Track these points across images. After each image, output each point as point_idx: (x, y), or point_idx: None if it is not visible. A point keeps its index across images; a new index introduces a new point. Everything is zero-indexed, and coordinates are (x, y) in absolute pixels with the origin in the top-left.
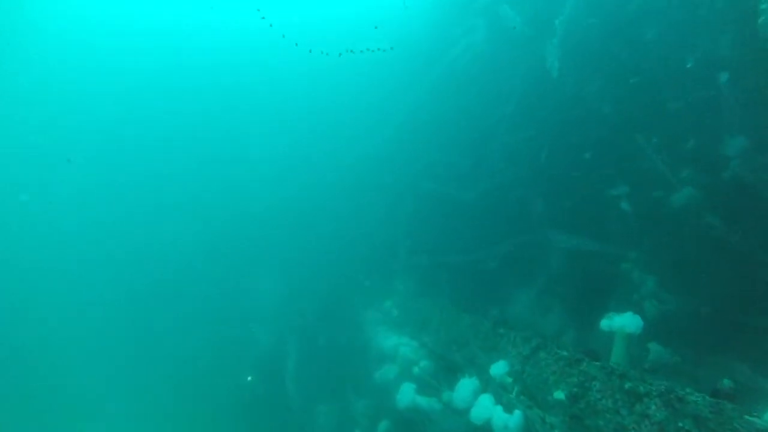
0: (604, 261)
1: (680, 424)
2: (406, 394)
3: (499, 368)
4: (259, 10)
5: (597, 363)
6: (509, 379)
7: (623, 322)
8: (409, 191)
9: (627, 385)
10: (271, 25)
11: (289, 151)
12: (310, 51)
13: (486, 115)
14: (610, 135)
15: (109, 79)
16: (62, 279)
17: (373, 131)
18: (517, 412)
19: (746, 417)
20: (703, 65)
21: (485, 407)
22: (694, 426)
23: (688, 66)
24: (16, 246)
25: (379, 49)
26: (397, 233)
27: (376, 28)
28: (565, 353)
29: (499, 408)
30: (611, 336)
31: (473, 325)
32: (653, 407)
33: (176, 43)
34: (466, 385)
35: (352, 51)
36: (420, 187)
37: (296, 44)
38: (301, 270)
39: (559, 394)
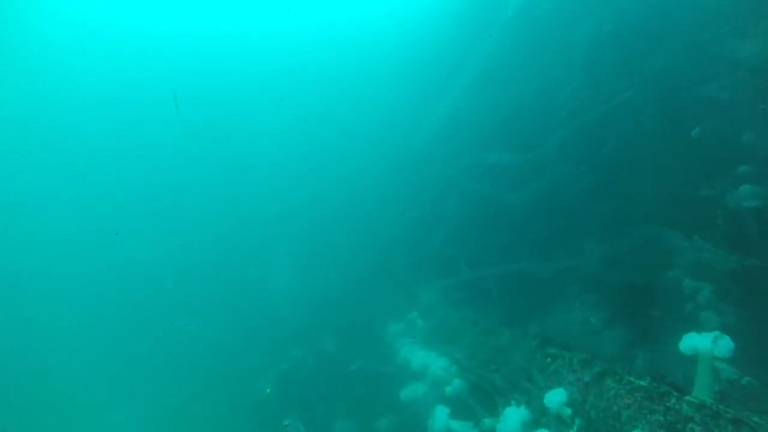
0: (648, 267)
1: None
2: (440, 419)
3: (555, 397)
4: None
5: (693, 398)
6: (568, 411)
7: (710, 343)
8: (452, 192)
9: None
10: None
11: (311, 150)
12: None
13: (545, 95)
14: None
15: (129, 85)
16: (75, 283)
17: (411, 123)
18: None
19: None
20: None
21: None
22: None
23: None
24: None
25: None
26: (434, 239)
27: None
28: (643, 383)
29: None
30: (685, 359)
31: (515, 342)
32: None
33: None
34: (513, 415)
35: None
36: (464, 187)
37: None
38: (324, 275)
39: None
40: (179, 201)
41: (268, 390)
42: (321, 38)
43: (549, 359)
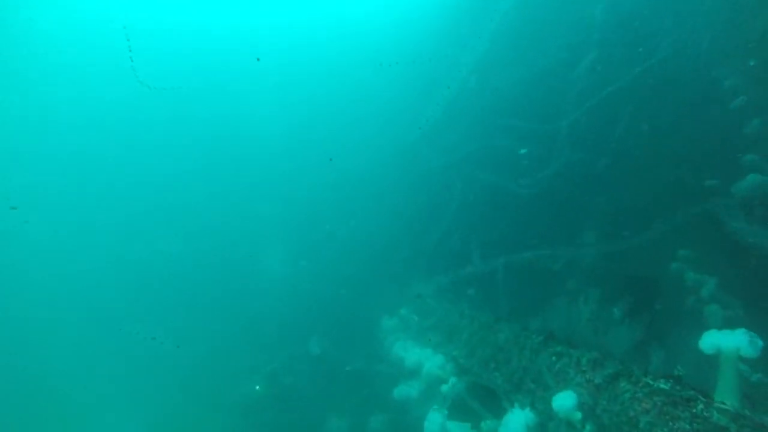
0: (652, 261)
1: None
2: (435, 420)
3: (564, 401)
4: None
5: (725, 405)
6: (578, 415)
7: (736, 342)
8: (456, 181)
9: None
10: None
11: (309, 143)
12: None
13: (554, 76)
14: None
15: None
16: (72, 283)
17: (412, 109)
18: None
19: None
20: None
21: None
22: None
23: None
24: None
25: None
26: (433, 232)
27: None
28: (664, 386)
29: None
30: (701, 358)
31: (516, 339)
32: None
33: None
34: (518, 419)
35: None
36: (469, 176)
37: None
38: (320, 270)
39: None
40: (176, 199)
41: (257, 387)
42: (318, 31)
43: (554, 358)
